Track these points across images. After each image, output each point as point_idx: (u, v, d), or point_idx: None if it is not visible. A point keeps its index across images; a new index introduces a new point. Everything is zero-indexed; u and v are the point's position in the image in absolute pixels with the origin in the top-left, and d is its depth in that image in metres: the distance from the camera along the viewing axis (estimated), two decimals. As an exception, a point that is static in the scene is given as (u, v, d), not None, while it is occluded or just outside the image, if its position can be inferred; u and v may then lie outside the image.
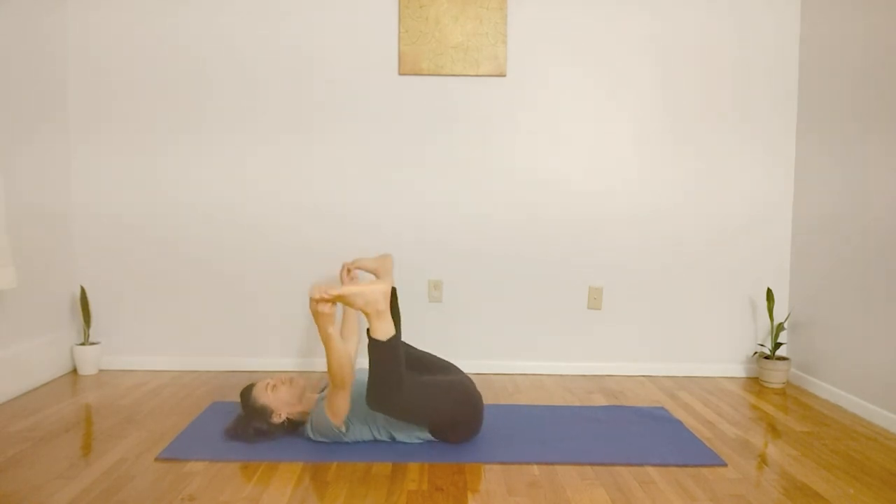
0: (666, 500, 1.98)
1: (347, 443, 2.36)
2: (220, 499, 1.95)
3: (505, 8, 3.31)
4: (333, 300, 2.15)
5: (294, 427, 2.44)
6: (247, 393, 2.46)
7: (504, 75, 3.35)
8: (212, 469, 2.16)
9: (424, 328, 3.43)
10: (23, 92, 2.99)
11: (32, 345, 3.05)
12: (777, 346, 3.29)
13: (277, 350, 3.45)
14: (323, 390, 2.59)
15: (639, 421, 2.68)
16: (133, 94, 3.34)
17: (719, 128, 3.40)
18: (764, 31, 3.37)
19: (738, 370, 3.47)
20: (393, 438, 2.39)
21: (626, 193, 3.42)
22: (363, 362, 3.25)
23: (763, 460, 2.31)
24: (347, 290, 2.14)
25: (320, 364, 3.41)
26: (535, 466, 2.22)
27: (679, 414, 2.81)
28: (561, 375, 3.42)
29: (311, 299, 2.15)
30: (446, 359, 3.06)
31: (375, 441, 2.39)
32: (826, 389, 3.07)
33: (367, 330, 2.18)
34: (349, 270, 2.84)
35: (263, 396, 2.41)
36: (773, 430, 2.64)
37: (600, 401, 2.99)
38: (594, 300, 3.45)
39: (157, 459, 2.22)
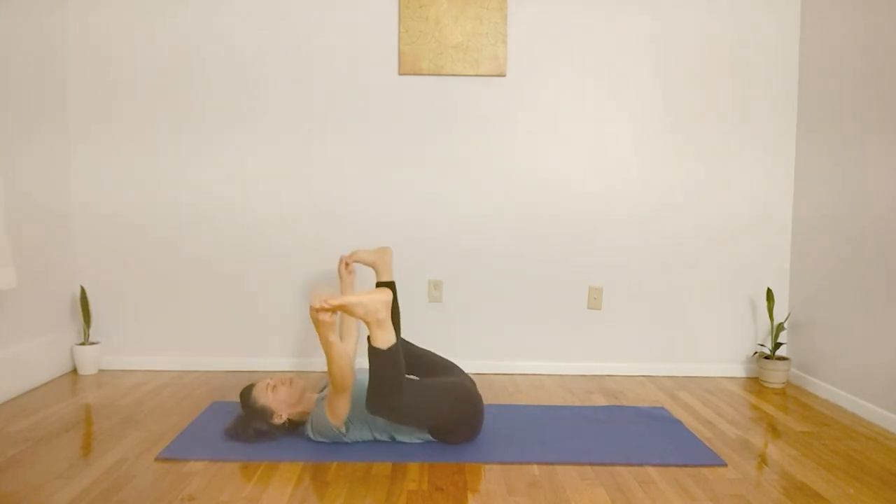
0: (666, 500, 1.98)
1: (347, 443, 2.36)
2: (220, 499, 1.95)
3: (505, 8, 3.31)
4: (334, 310, 2.14)
5: (294, 427, 2.44)
6: (247, 393, 2.46)
7: (504, 75, 3.35)
8: (212, 469, 2.16)
9: (424, 328, 3.43)
10: (23, 92, 2.99)
11: (32, 345, 3.05)
12: (777, 346, 3.29)
13: (277, 350, 3.45)
14: (323, 390, 2.58)
15: (639, 421, 2.68)
16: (133, 94, 3.35)
17: (719, 128, 3.40)
18: (764, 31, 3.37)
19: (738, 370, 3.47)
20: (393, 439, 2.38)
21: (626, 193, 3.42)
22: (363, 362, 3.25)
23: (763, 460, 2.31)
24: (347, 299, 2.12)
25: (320, 364, 3.41)
26: (535, 466, 2.22)
27: (679, 414, 2.81)
28: (561, 375, 3.42)
29: (312, 308, 2.14)
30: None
31: (375, 441, 2.39)
32: (826, 389, 3.07)
33: (368, 337, 2.17)
34: (347, 264, 2.83)
35: (263, 397, 2.41)
36: (773, 430, 2.63)
37: (600, 401, 2.99)
38: (594, 300, 3.45)
39: (156, 459, 2.22)
